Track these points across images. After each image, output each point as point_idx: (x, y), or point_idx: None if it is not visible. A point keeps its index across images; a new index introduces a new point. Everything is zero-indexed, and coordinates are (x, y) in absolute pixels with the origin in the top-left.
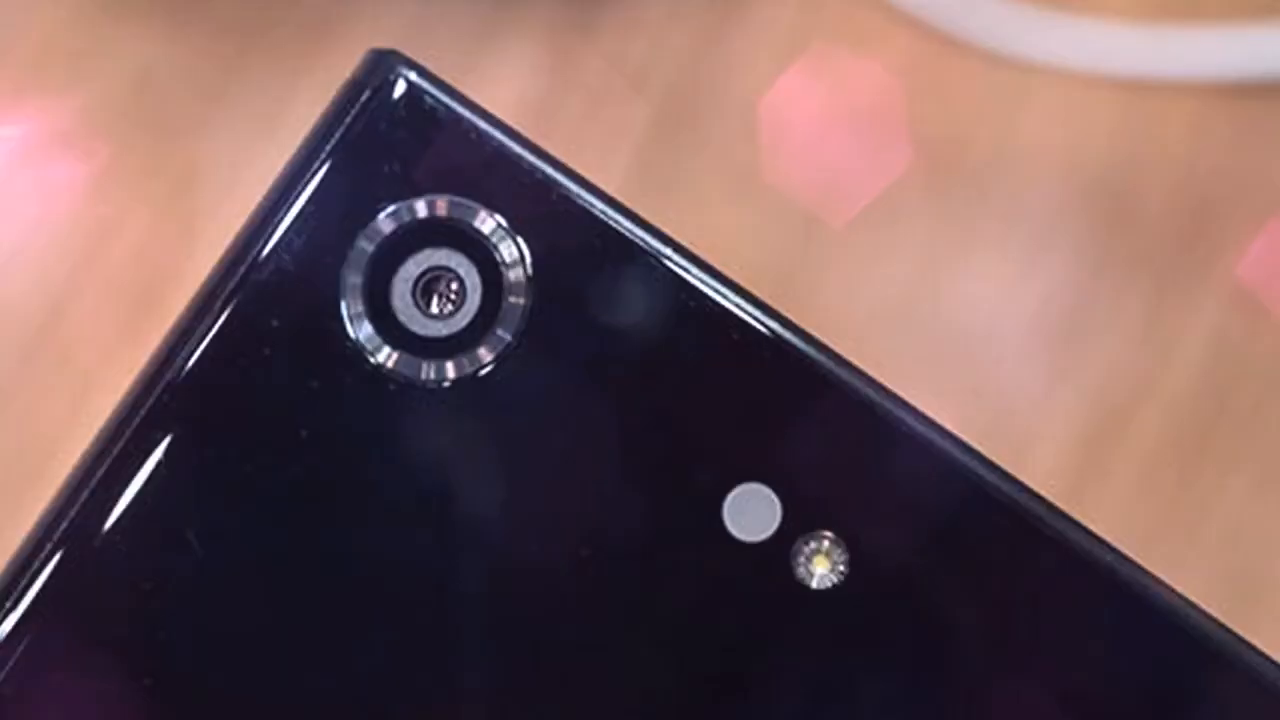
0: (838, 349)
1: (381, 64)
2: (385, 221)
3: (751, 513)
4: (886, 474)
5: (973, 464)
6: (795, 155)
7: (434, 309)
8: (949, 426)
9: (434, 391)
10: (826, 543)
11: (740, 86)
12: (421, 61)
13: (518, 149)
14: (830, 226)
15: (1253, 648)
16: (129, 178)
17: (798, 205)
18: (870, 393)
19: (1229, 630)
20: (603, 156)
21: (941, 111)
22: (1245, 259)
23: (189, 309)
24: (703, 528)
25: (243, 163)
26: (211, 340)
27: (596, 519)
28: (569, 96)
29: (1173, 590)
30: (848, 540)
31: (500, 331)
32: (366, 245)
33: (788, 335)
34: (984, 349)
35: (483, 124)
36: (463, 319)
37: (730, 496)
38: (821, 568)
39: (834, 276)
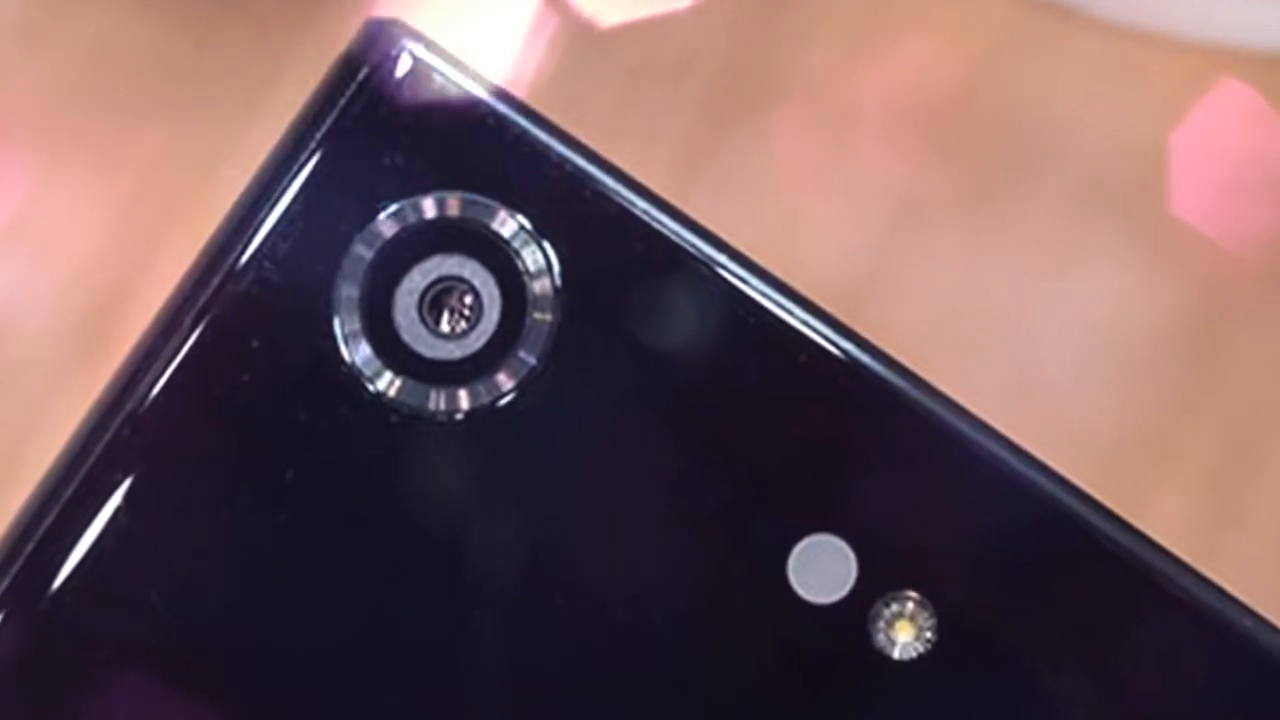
0: (923, 373)
1: (382, 36)
2: (386, 223)
3: (821, 569)
4: (982, 523)
5: (1085, 511)
6: (877, 146)
7: (444, 327)
8: (1056, 467)
9: (444, 425)
10: (911, 605)
11: (801, 67)
12: (429, 34)
13: (544, 136)
14: (914, 226)
15: None
16: (83, 171)
17: (878, 202)
18: (962, 426)
19: None
20: (643, 146)
21: (1042, 93)
22: None
23: (153, 327)
24: (764, 587)
25: (217, 153)
26: (179, 364)
27: (636, 578)
28: (604, 76)
29: None
30: (935, 602)
31: (523, 353)
32: (364, 251)
33: (865, 358)
34: (1099, 371)
35: (502, 107)
36: (478, 339)
37: (796, 550)
38: (905, 634)
39: (919, 285)
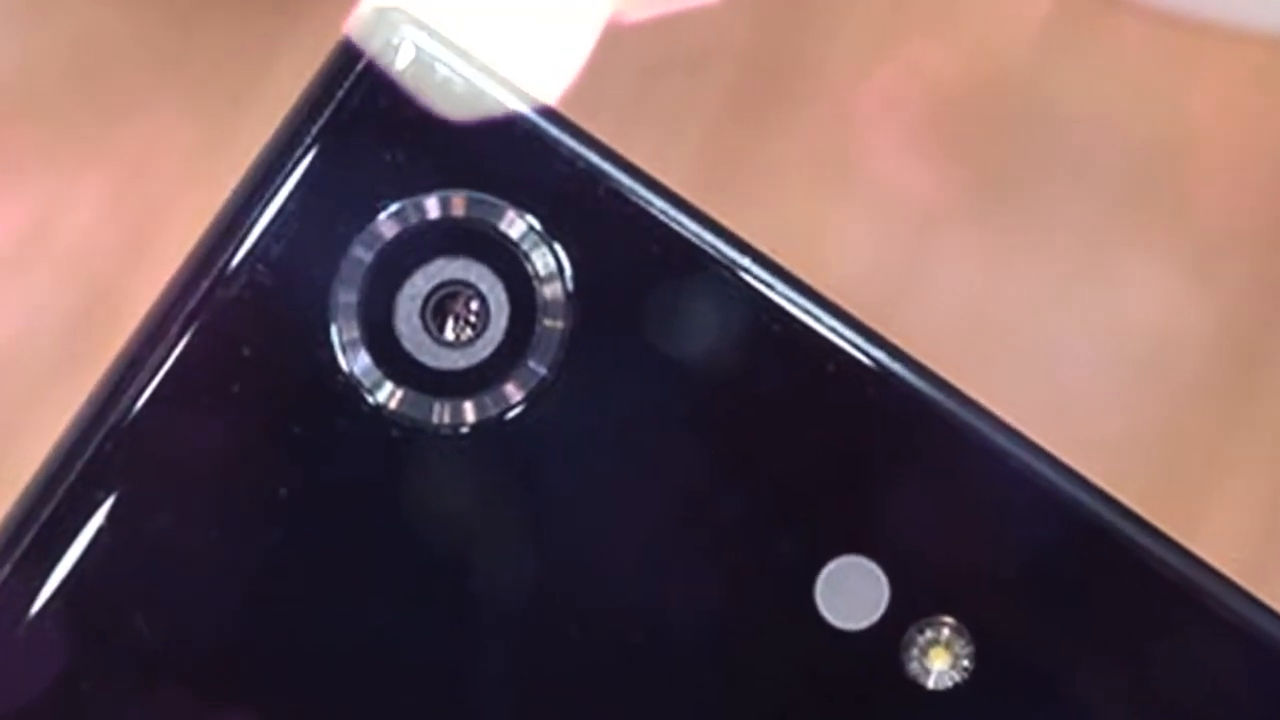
0: (955, 381)
1: (382, 23)
2: (387, 223)
3: (851, 592)
4: (1022, 543)
5: (1132, 530)
6: (899, 142)
7: (449, 334)
8: (1101, 484)
9: (449, 439)
10: (946, 631)
11: (826, 61)
12: (432, 21)
13: (555, 131)
14: (942, 227)
15: None
16: (63, 168)
17: (905, 201)
18: (1000, 439)
19: None
20: (661, 143)
21: (1090, 85)
22: None
23: (138, 334)
24: (789, 612)
25: (206, 148)
26: (166, 375)
27: (654, 603)
28: (619, 68)
29: None
30: (972, 628)
31: (533, 363)
32: (363, 254)
33: (897, 367)
34: (1142, 383)
35: (511, 100)
36: (485, 347)
37: (824, 572)
38: (940, 662)
39: (948, 290)
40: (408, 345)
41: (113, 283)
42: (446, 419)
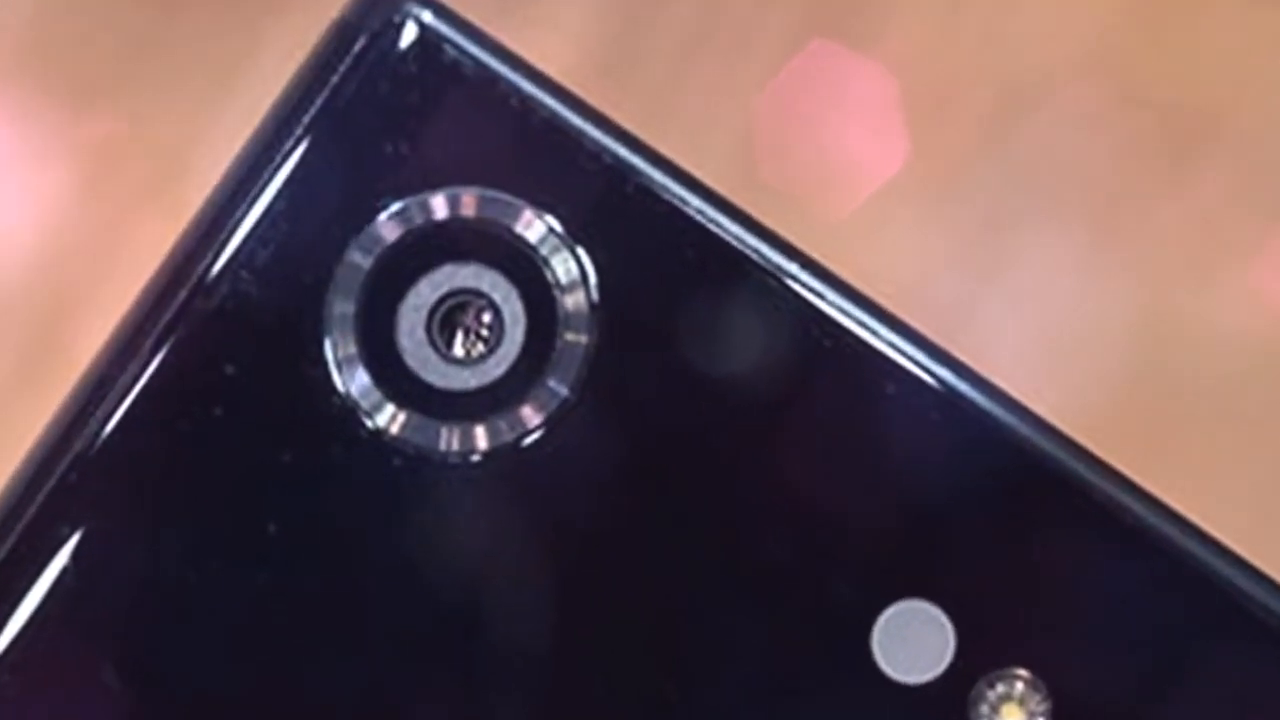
0: (1033, 405)
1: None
2: (388, 225)
3: (912, 641)
4: (1106, 587)
5: (1234, 574)
6: (965, 134)
7: (458, 350)
8: (1197, 520)
9: (458, 468)
10: (1020, 685)
11: (888, 36)
12: None
13: (578, 120)
14: (1020, 228)
15: None
16: (25, 161)
17: (978, 197)
18: (1084, 470)
19: None
20: (698, 132)
21: (1176, 65)
22: None
23: (106, 350)
24: (843, 662)
25: (186, 140)
26: (138, 396)
27: (690, 651)
28: (651, 47)
29: None
30: (1049, 682)
31: (553, 382)
32: (362, 259)
33: (965, 388)
34: (1257, 402)
35: (528, 85)
36: (499, 365)
37: (882, 618)
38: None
39: (1027, 300)
40: (411, 362)
41: (78, 291)
42: (455, 446)
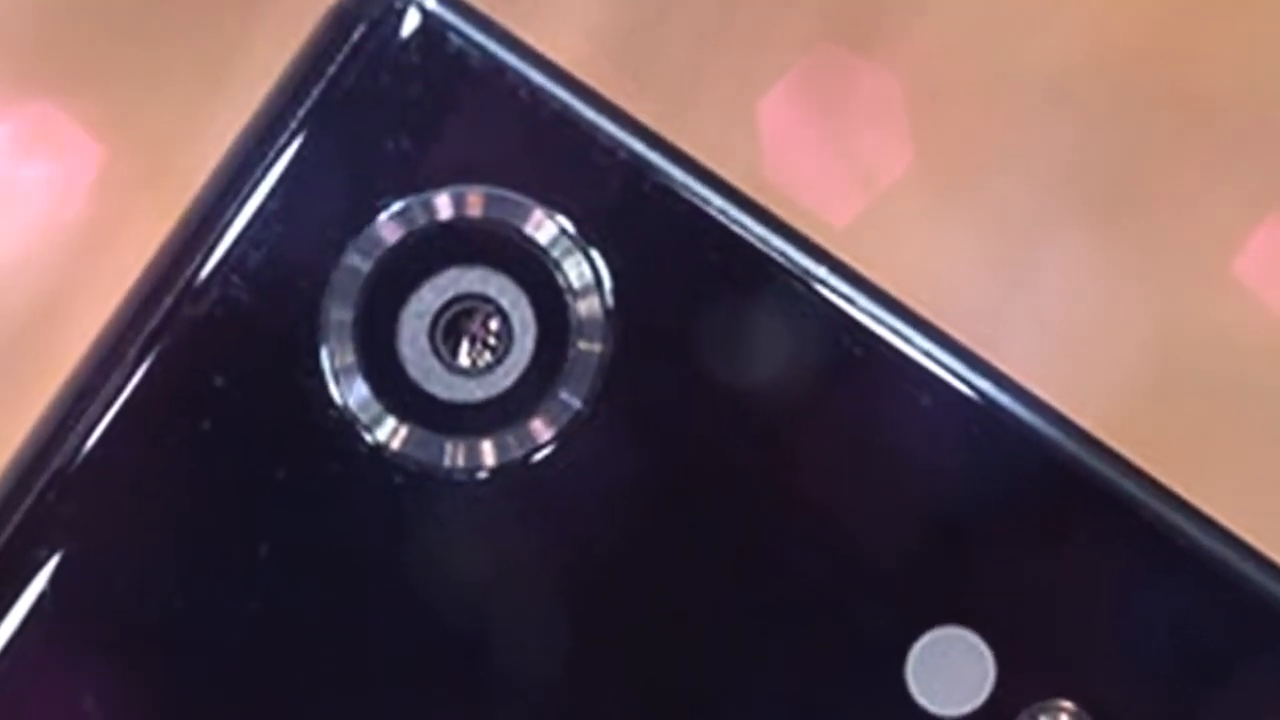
0: (1080, 420)
1: None
2: (389, 226)
3: (950, 671)
4: (1155, 614)
5: None
6: (1008, 131)
7: (463, 360)
8: (1258, 545)
9: (463, 486)
10: (1064, 718)
11: (916, 27)
12: None
13: (592, 114)
14: (1068, 226)
15: None
16: (3, 158)
17: (1021, 193)
18: (1132, 488)
19: None
20: (721, 127)
21: (1221, 60)
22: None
23: (87, 359)
24: (875, 693)
25: (174, 134)
26: (121, 409)
27: (710, 681)
28: (669, 36)
29: None
30: (1094, 713)
31: (565, 394)
32: (360, 262)
33: (1006, 400)
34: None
35: (538, 76)
36: (507, 375)
37: (917, 646)
38: None
39: (1075, 306)
40: (414, 373)
41: (57, 296)
42: (460, 462)
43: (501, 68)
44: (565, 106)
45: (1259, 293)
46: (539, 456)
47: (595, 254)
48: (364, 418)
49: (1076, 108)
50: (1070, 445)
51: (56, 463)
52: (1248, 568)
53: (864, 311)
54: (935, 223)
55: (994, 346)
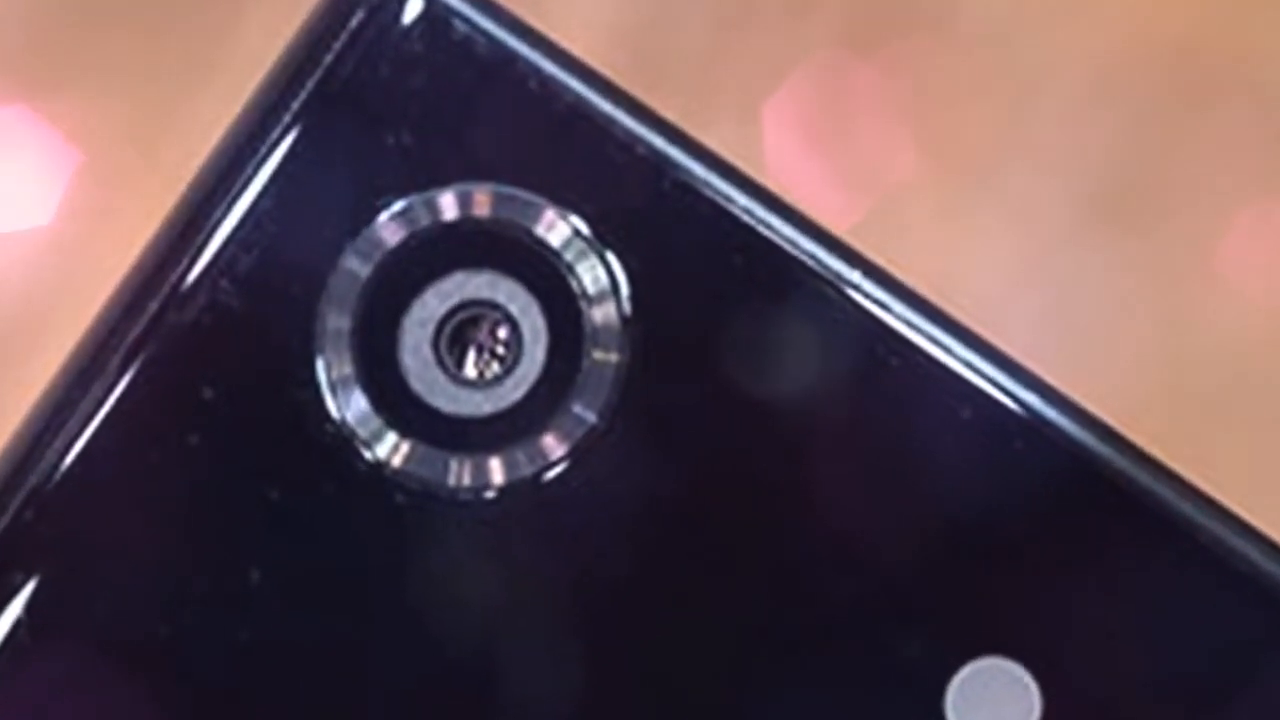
0: (1132, 434)
1: None
2: (389, 227)
3: (992, 704)
4: (1212, 644)
5: None
6: (1052, 125)
7: (469, 371)
8: None
9: (469, 506)
10: None
11: (958, 11)
12: None
13: (607, 106)
14: (1114, 228)
15: None
16: None
17: (1066, 191)
18: (1188, 510)
19: None
20: (744, 120)
21: (1265, 51)
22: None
23: (67, 370)
24: None
25: (158, 128)
26: (102, 423)
27: (737, 714)
28: (689, 21)
29: None
30: None
31: (578, 408)
32: (359, 266)
33: (1052, 413)
34: None
35: (549, 66)
36: (516, 388)
37: (958, 678)
38: None
39: (1125, 312)
40: (416, 385)
41: (33, 303)
42: (466, 480)
43: (511, 56)
44: (579, 98)
45: None
46: (551, 475)
47: (611, 257)
48: (363, 433)
49: (1114, 103)
50: (1123, 463)
51: (33, 481)
52: None
53: (901, 319)
54: (951, 222)
55: (1040, 354)
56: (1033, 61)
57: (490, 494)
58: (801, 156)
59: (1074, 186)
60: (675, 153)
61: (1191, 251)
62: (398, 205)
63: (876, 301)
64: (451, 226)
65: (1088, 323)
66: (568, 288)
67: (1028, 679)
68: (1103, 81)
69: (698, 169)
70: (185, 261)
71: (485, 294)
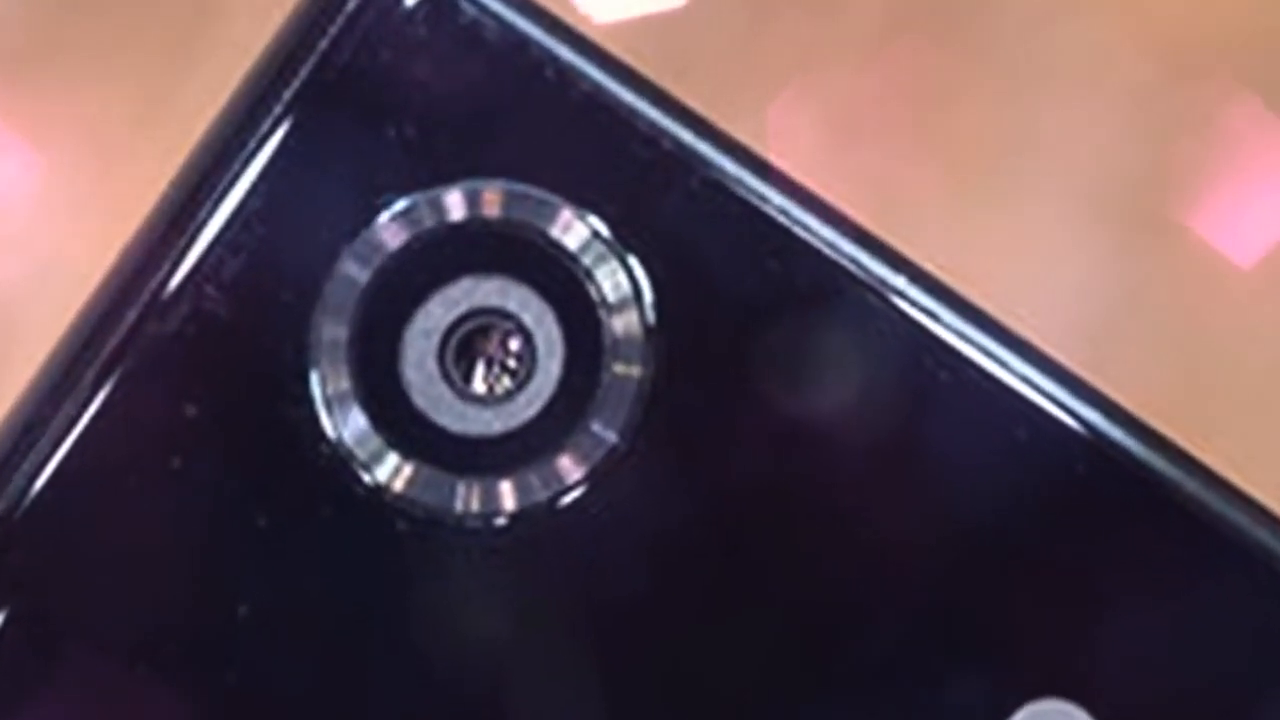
0: (1201, 455)
1: None
2: (390, 228)
3: None
4: None
5: None
6: (1116, 116)
7: (478, 386)
8: None
9: (478, 534)
10: None
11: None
12: None
13: (630, 97)
14: (1176, 231)
15: None
16: None
17: (1125, 198)
18: (1264, 538)
19: None
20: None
21: None
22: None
23: (37, 385)
24: None
25: (140, 118)
26: (77, 443)
27: None
28: (717, 6)
29: None
30: None
31: (597, 426)
32: (357, 271)
33: (1118, 434)
34: None
35: (566, 52)
36: (530, 404)
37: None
38: None
39: (1192, 323)
40: (420, 401)
41: (14, 306)
42: (475, 506)
43: (523, 42)
44: (598, 87)
45: None
46: (567, 500)
47: (633, 261)
48: (361, 454)
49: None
50: (1188, 483)
51: (2, 505)
52: None
53: (950, 329)
54: (962, 221)
55: (1105, 368)
56: (1068, 56)
57: (501, 521)
58: (807, 156)
59: (1082, 185)
60: (704, 148)
61: (1201, 245)
62: (400, 205)
63: (925, 310)
64: (458, 228)
65: (1103, 320)
66: (586, 295)
67: None
68: (1116, 78)
69: (728, 165)
70: (167, 266)
71: (495, 302)
